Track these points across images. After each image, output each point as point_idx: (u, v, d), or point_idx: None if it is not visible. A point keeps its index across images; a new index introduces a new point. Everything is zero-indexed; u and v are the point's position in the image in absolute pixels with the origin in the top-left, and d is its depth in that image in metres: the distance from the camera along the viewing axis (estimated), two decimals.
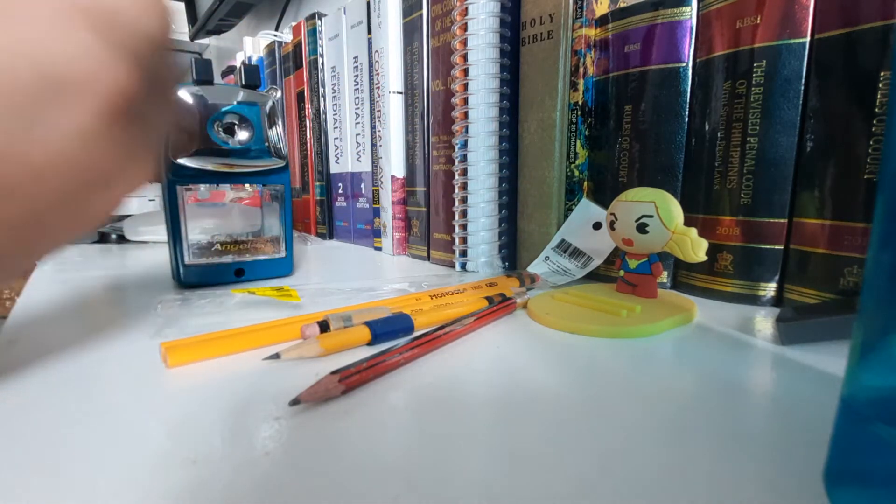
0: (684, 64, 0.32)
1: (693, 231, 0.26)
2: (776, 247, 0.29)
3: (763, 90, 0.28)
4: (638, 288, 0.30)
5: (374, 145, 0.53)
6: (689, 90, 0.32)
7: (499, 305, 0.27)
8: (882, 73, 0.24)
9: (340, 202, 0.62)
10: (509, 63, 0.38)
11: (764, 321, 0.27)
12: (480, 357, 0.22)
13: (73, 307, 0.31)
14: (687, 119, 0.32)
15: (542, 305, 0.28)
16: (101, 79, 0.11)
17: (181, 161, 0.33)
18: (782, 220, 0.29)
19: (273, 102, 0.36)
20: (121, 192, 0.13)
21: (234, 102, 0.34)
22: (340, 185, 0.61)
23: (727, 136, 0.30)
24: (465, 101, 0.39)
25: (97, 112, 0.11)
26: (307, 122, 0.65)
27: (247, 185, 0.36)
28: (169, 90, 0.14)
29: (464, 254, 0.41)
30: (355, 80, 0.56)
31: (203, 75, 0.33)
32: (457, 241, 0.41)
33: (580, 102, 0.36)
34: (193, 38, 1.34)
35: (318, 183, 0.65)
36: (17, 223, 0.12)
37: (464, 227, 0.41)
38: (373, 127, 0.53)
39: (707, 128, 0.31)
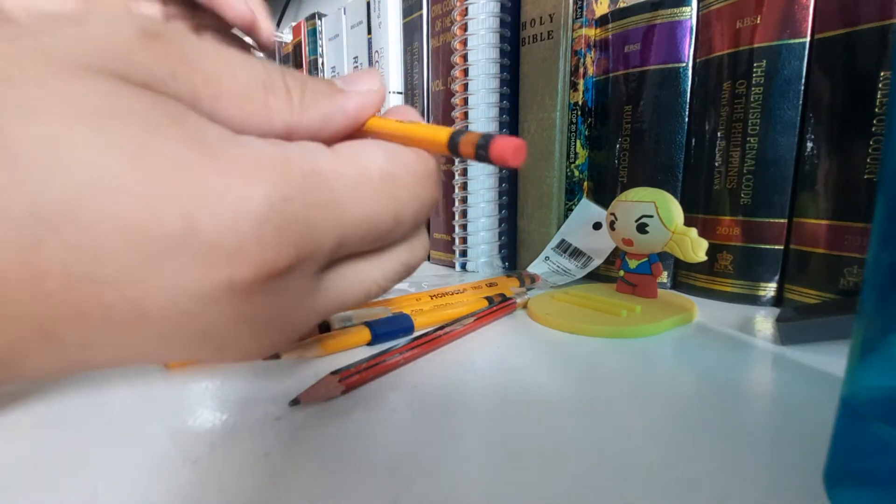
0: (684, 64, 0.32)
1: (693, 231, 0.26)
2: (776, 247, 0.29)
3: (763, 90, 0.28)
4: (638, 288, 0.30)
5: None
6: (689, 90, 0.32)
7: (499, 305, 0.27)
8: (882, 73, 0.24)
9: None
10: (509, 63, 0.38)
11: (764, 321, 0.27)
12: (480, 357, 0.22)
13: None
14: (687, 119, 0.32)
15: (542, 305, 0.28)
16: (247, 253, 0.10)
17: None
18: (782, 220, 0.29)
19: None
20: (231, 356, 0.13)
21: None
22: None
23: (727, 136, 0.30)
24: (465, 101, 0.39)
25: (230, 283, 0.10)
26: None
27: None
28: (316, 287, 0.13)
29: (464, 254, 0.41)
30: None
31: None
32: (457, 241, 0.41)
33: (580, 102, 0.36)
34: None
35: None
36: (98, 362, 0.11)
37: (464, 227, 0.41)
38: None
39: (707, 128, 0.31)
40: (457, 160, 0.40)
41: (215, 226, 0.10)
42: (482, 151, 0.12)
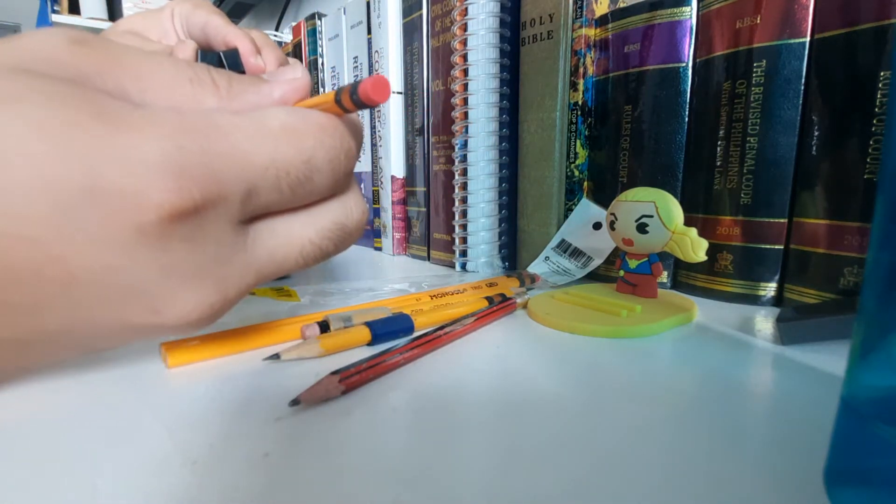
0: (684, 64, 0.32)
1: (693, 231, 0.26)
2: (776, 247, 0.29)
3: (763, 90, 0.28)
4: (638, 288, 0.30)
5: (373, 145, 0.53)
6: (689, 90, 0.32)
7: (499, 305, 0.27)
8: (882, 73, 0.24)
9: None
10: (509, 63, 0.38)
11: (764, 321, 0.27)
12: (480, 357, 0.22)
13: None
14: (687, 119, 0.32)
15: (542, 305, 0.28)
16: (149, 196, 0.11)
17: None
18: (782, 220, 0.29)
19: None
20: (169, 316, 0.13)
21: None
22: None
23: (727, 136, 0.30)
24: (465, 101, 0.39)
25: (139, 227, 0.11)
26: None
27: None
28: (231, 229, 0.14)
29: (464, 254, 0.41)
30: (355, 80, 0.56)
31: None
32: (457, 241, 0.41)
33: (580, 102, 0.36)
34: None
35: None
36: (51, 327, 0.12)
37: (464, 227, 0.41)
38: (372, 127, 0.53)
39: (707, 128, 0.31)
40: (457, 160, 0.40)
41: (115, 175, 0.11)
42: (354, 97, 0.14)
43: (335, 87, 0.59)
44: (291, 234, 0.15)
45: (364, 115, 0.55)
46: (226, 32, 0.33)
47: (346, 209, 0.16)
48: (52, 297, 0.12)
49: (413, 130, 0.48)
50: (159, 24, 0.34)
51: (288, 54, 0.68)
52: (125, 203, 0.11)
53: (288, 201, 0.15)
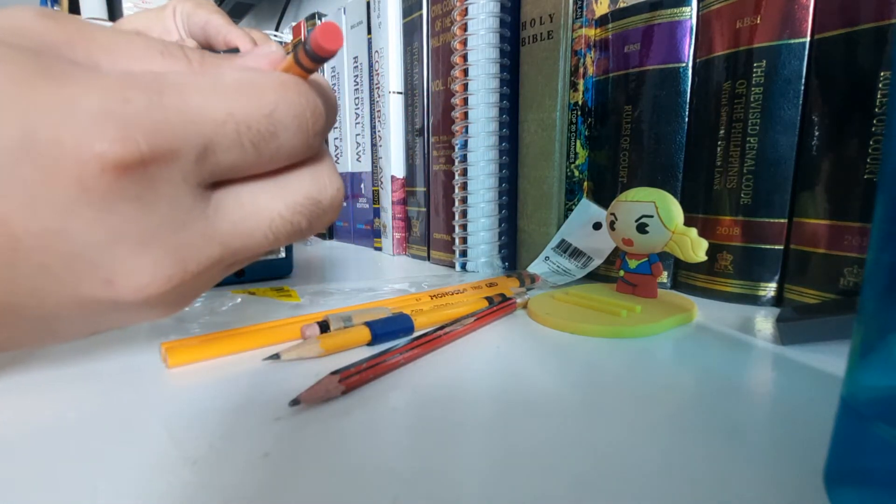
0: (684, 64, 0.32)
1: (693, 231, 0.26)
2: (776, 247, 0.29)
3: (763, 90, 0.28)
4: (638, 288, 0.30)
5: (373, 145, 0.53)
6: (689, 90, 0.32)
7: (499, 306, 0.27)
8: (882, 73, 0.24)
9: None
10: (509, 63, 0.38)
11: (764, 321, 0.27)
12: (480, 357, 0.22)
13: None
14: (687, 119, 0.32)
15: (542, 305, 0.28)
16: (89, 146, 0.11)
17: None
18: (782, 220, 0.29)
19: None
20: (123, 288, 0.12)
21: None
22: None
23: (727, 136, 0.30)
24: (465, 101, 0.39)
25: (81, 181, 0.11)
26: None
27: None
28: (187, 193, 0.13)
29: (464, 254, 0.41)
30: (355, 81, 0.56)
31: None
32: (457, 241, 0.41)
33: (580, 102, 0.36)
34: None
35: None
36: None
37: (464, 227, 0.41)
38: (373, 127, 0.53)
39: (707, 128, 0.31)
40: (457, 160, 0.40)
41: (52, 126, 0.10)
42: (308, 48, 0.13)
43: (334, 87, 0.59)
44: (259, 205, 0.14)
45: (364, 115, 0.55)
46: (226, 32, 0.33)
47: (320, 183, 0.15)
48: None
49: (413, 131, 0.48)
50: (161, 22, 0.34)
51: (288, 54, 0.68)
52: (64, 155, 0.10)
53: (253, 162, 0.14)
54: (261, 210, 0.14)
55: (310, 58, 0.14)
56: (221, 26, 0.33)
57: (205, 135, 0.12)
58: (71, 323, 0.13)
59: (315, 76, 0.15)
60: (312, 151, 0.15)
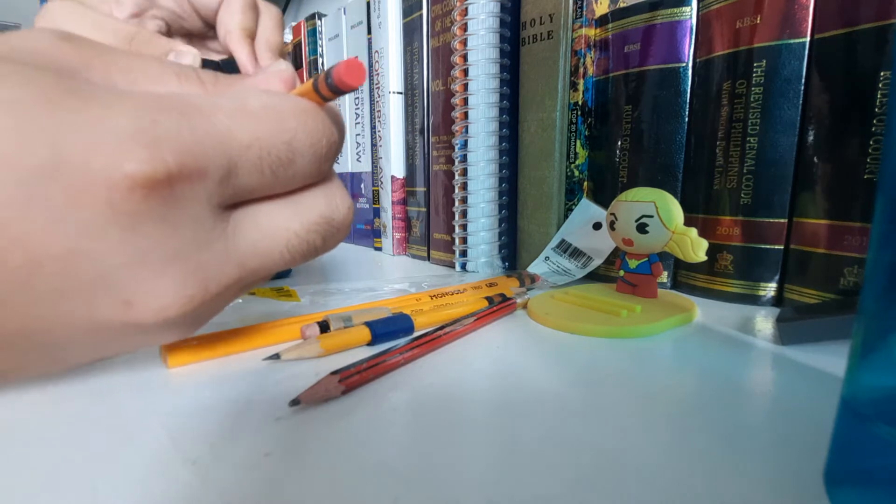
0: (684, 64, 0.32)
1: (693, 231, 0.26)
2: (776, 247, 0.29)
3: (763, 90, 0.28)
4: (638, 288, 0.30)
5: (373, 145, 0.53)
6: (689, 90, 0.32)
7: (499, 306, 0.27)
8: (881, 74, 0.24)
9: None
10: (509, 63, 0.38)
11: (764, 321, 0.27)
12: (480, 357, 0.22)
13: None
14: (687, 119, 0.32)
15: (542, 305, 0.28)
16: (118, 167, 0.10)
17: None
18: (782, 220, 0.29)
19: None
20: (143, 310, 0.12)
21: None
22: None
23: (727, 136, 0.30)
24: (465, 101, 0.39)
25: (109, 202, 0.11)
26: None
27: None
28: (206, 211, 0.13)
29: (464, 254, 0.41)
30: None
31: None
32: (457, 241, 0.41)
33: (580, 102, 0.36)
34: None
35: None
36: (11, 319, 0.11)
37: (464, 227, 0.41)
38: (373, 127, 0.53)
39: (707, 128, 0.31)
40: (457, 160, 0.40)
41: (81, 147, 0.10)
42: (329, 81, 0.14)
43: None
44: (276, 226, 0.14)
45: (364, 115, 0.55)
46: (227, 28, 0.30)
47: (332, 203, 0.16)
48: (10, 291, 0.11)
49: (413, 131, 0.48)
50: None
51: (288, 54, 0.68)
52: (93, 176, 0.10)
53: (269, 186, 0.14)
54: (277, 230, 0.15)
55: (330, 90, 0.14)
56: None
57: (230, 157, 0.12)
58: (80, 348, 0.13)
59: (328, 104, 0.15)
60: (323, 175, 0.16)
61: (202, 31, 0.29)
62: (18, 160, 0.10)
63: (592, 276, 0.36)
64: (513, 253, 0.41)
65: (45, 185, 0.10)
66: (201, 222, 0.12)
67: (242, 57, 0.29)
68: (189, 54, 0.26)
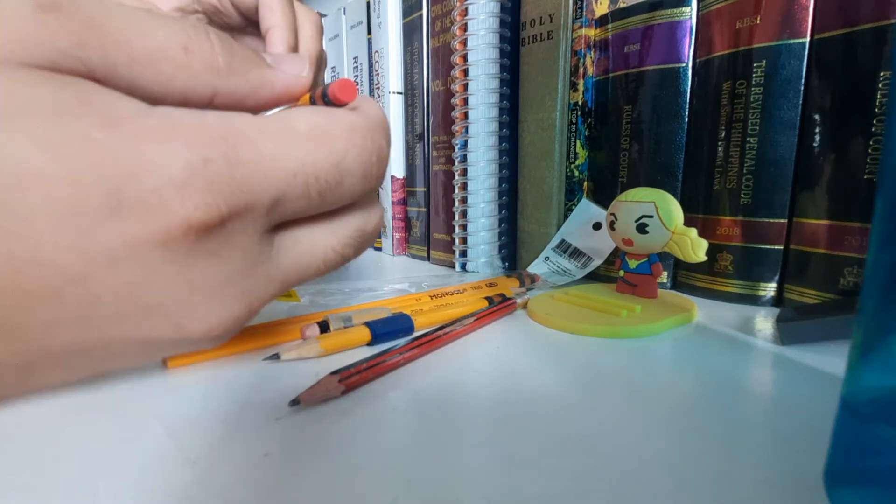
0: (684, 64, 0.32)
1: (693, 231, 0.26)
2: (776, 247, 0.29)
3: (763, 90, 0.28)
4: (638, 288, 0.30)
5: None
6: (689, 90, 0.32)
7: (499, 306, 0.27)
8: (881, 73, 0.24)
9: None
10: (509, 63, 0.38)
11: (764, 321, 0.27)
12: (480, 357, 0.22)
13: None
14: (687, 119, 0.32)
15: (542, 305, 0.28)
16: (174, 212, 0.11)
17: None
18: (782, 220, 0.29)
19: None
20: (193, 331, 0.12)
21: None
22: None
23: (727, 136, 0.30)
24: (465, 101, 0.39)
25: (164, 244, 0.11)
26: None
27: None
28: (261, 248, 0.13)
29: (464, 254, 0.41)
30: (355, 81, 0.56)
31: None
32: (457, 241, 0.41)
33: (580, 102, 0.36)
34: None
35: None
36: (61, 349, 0.11)
37: (464, 227, 0.41)
38: None
39: (707, 128, 0.31)
40: (457, 160, 0.40)
41: (137, 191, 0.10)
42: (326, 100, 0.14)
43: None
44: (315, 243, 0.15)
45: None
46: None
47: (366, 214, 0.16)
48: (67, 319, 0.11)
49: (413, 132, 0.48)
50: None
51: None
52: (149, 219, 0.10)
53: (315, 208, 0.14)
54: (317, 246, 0.15)
55: (325, 103, 0.15)
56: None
57: (277, 188, 0.12)
58: (126, 359, 0.13)
59: (376, 111, 0.15)
60: (371, 193, 0.16)
61: (241, 26, 0.29)
62: (73, 204, 0.10)
63: (592, 277, 0.36)
64: (513, 253, 0.41)
65: (101, 228, 0.10)
66: (249, 250, 0.13)
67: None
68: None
